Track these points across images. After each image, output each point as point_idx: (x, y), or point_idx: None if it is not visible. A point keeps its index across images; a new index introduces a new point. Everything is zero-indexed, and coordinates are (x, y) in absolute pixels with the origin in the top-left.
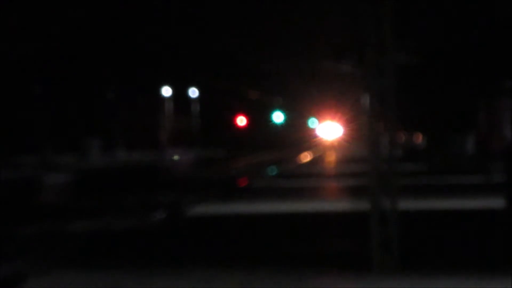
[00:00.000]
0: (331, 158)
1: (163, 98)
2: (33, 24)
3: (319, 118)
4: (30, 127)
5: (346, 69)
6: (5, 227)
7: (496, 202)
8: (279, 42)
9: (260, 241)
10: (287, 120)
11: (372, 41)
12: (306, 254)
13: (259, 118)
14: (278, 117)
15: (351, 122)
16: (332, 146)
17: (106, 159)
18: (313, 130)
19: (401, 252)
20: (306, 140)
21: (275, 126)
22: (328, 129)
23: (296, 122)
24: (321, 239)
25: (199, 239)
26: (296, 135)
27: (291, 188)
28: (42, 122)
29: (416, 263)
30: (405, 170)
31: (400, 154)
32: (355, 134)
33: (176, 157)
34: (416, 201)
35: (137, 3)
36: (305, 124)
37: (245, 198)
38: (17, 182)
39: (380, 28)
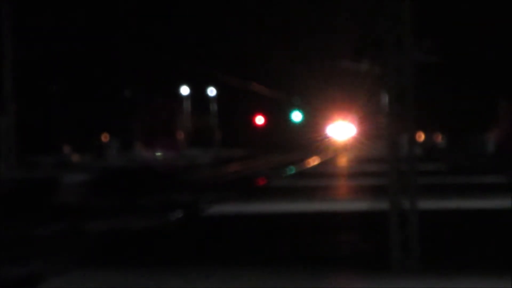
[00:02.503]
0: (344, 159)
1: (181, 97)
2: (52, 24)
3: (332, 117)
4: (49, 127)
5: (364, 68)
6: (24, 227)
7: None
8: (297, 41)
9: (277, 240)
10: (304, 119)
11: (391, 40)
12: (324, 253)
13: (277, 117)
14: (296, 116)
15: (365, 122)
16: (345, 147)
17: (124, 159)
18: (325, 130)
19: (420, 252)
20: (318, 140)
21: (293, 125)
22: (341, 129)
23: (312, 121)
24: (339, 239)
25: (217, 239)
26: (310, 135)
27: (309, 187)
28: (60, 122)
29: (435, 263)
30: (424, 169)
31: (420, 153)
32: (369, 133)
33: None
34: (436, 201)
35: (155, 3)
36: (319, 123)
37: (262, 198)
38: (35, 182)
39: (399, 26)
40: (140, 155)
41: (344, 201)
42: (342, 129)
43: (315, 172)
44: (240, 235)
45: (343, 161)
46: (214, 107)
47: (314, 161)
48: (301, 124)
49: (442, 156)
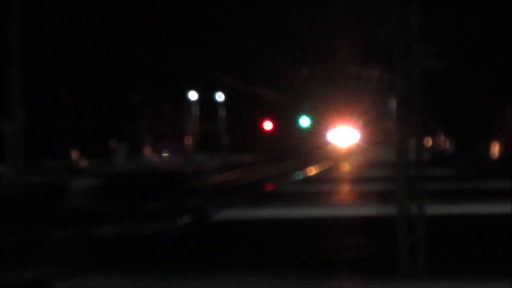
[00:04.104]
0: (350, 164)
1: (189, 103)
2: (60, 28)
3: (337, 123)
4: (56, 132)
5: (371, 73)
6: (31, 232)
7: None
8: (304, 46)
9: (285, 245)
10: (311, 125)
11: (400, 45)
12: (331, 257)
13: (285, 123)
14: (305, 121)
15: (369, 127)
16: (350, 152)
17: (131, 164)
18: (330, 135)
19: (428, 257)
20: (324, 146)
21: (300, 131)
22: (344, 135)
23: (318, 127)
24: (347, 244)
25: (224, 243)
26: (316, 141)
27: (316, 193)
28: (68, 127)
29: (442, 268)
30: (432, 174)
31: (427, 158)
32: (373, 139)
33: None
34: (443, 206)
35: (162, 8)
36: (325, 129)
37: (270, 203)
38: (43, 186)
39: (408, 32)
40: (148, 160)
41: (351, 206)
42: (346, 135)
43: (323, 178)
44: (247, 239)
45: (349, 166)
46: (222, 112)
47: (321, 166)
48: (308, 130)
49: (450, 162)
